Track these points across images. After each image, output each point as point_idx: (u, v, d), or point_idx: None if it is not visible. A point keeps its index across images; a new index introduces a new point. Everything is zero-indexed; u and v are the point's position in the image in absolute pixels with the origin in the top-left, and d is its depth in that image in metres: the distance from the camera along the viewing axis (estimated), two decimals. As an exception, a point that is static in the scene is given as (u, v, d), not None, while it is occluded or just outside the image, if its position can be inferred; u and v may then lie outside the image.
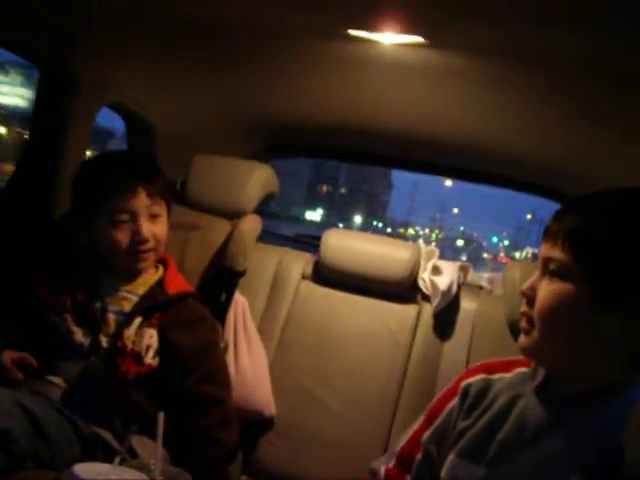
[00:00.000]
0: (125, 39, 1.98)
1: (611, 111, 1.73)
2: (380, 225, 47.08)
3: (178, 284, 1.79)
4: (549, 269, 1.13)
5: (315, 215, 44.40)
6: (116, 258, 1.69)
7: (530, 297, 1.16)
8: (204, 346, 1.74)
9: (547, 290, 1.12)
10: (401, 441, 1.38)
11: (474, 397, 1.26)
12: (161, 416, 1.14)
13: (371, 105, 2.18)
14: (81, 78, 2.07)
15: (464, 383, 1.30)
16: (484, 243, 59.09)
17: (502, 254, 50.77)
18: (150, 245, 1.69)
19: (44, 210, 2.12)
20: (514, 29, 1.39)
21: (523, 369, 1.26)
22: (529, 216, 55.12)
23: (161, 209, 1.73)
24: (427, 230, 54.50)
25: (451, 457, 1.23)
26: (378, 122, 2.36)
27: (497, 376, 1.28)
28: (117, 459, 1.10)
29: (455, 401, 1.30)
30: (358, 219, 44.85)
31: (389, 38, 1.55)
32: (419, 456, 1.32)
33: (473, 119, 2.12)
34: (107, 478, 0.98)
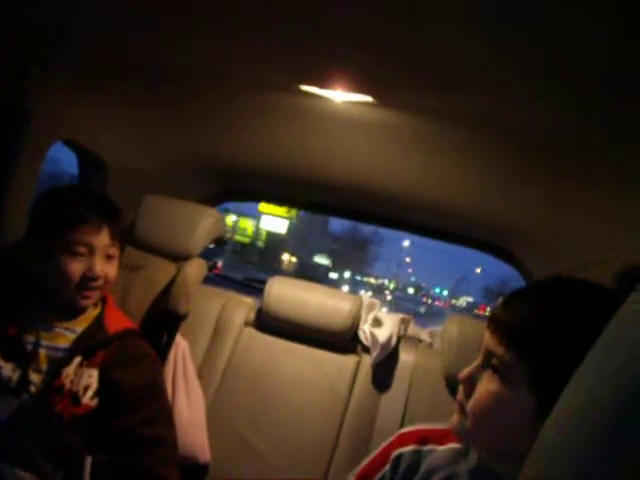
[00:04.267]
0: (80, 77, 1.98)
1: (569, 179, 1.78)
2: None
3: (118, 321, 1.76)
4: (491, 363, 1.05)
5: (325, 260, 44.45)
6: (62, 290, 1.66)
7: (468, 387, 1.09)
8: (149, 385, 1.71)
9: (485, 389, 1.05)
10: None
11: (405, 471, 1.23)
12: (88, 460, 1.13)
13: (320, 157, 2.22)
14: (34, 112, 2.06)
15: (396, 453, 1.26)
16: (430, 291, 65.47)
17: (442, 302, 58.05)
18: (99, 283, 1.68)
19: None
20: (459, 96, 1.44)
21: (455, 445, 1.21)
22: (478, 270, 60.14)
23: (116, 251, 1.74)
24: (386, 280, 60.31)
25: None
26: (327, 174, 2.39)
27: (428, 447, 1.23)
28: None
29: (386, 469, 1.26)
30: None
31: (339, 96, 1.60)
32: None
33: (426, 177, 2.17)
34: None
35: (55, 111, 2.12)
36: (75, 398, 1.59)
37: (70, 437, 1.56)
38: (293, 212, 29.32)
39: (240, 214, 33.35)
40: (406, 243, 59.18)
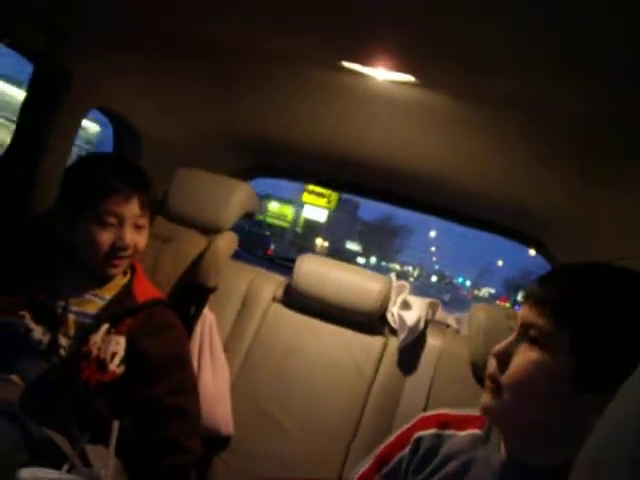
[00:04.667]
0: (122, 45, 1.99)
1: (598, 167, 1.76)
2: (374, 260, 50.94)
3: (147, 291, 1.78)
4: (529, 335, 1.07)
5: (355, 246, 46.08)
6: (91, 258, 1.68)
7: (503, 362, 1.10)
8: (175, 355, 1.73)
9: (525, 358, 1.06)
10: None
11: (425, 453, 1.25)
12: (115, 425, 1.14)
13: (359, 137, 2.20)
14: (73, 78, 2.07)
15: (417, 435, 1.28)
16: (454, 280, 67.65)
17: (464, 291, 59.29)
18: (128, 253, 1.70)
19: (19, 207, 2.10)
20: (503, 78, 1.42)
21: (476, 431, 1.23)
22: (500, 262, 63.22)
23: (146, 221, 1.75)
24: (411, 267, 62.50)
25: None
26: (363, 153, 2.38)
27: (449, 432, 1.25)
28: (65, 466, 1.09)
29: (406, 451, 1.28)
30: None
31: (381, 74, 1.58)
32: None
33: (457, 160, 2.15)
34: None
35: (93, 78, 2.12)
36: (102, 365, 1.60)
37: (97, 403, 1.58)
38: (333, 203, 30.53)
39: (282, 201, 34.95)
40: (432, 234, 61.98)
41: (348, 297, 2.17)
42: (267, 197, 34.96)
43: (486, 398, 1.12)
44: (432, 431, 1.27)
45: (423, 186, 2.54)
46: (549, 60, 1.25)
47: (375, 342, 2.18)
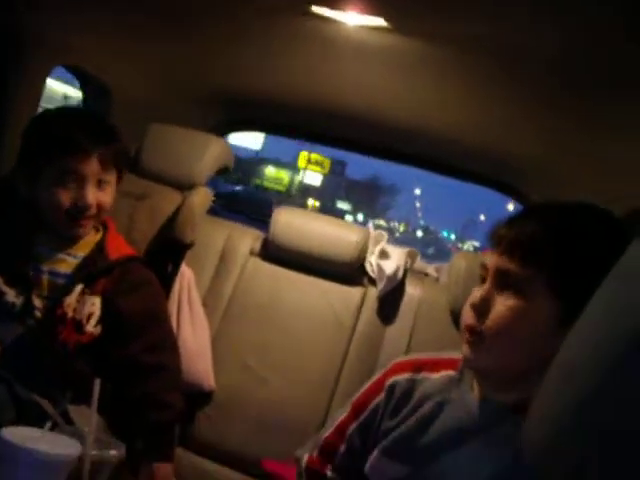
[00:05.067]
0: (89, 1, 1.93)
1: (574, 111, 1.75)
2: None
3: (120, 248, 1.74)
4: (504, 282, 1.07)
5: (345, 205, 47.79)
6: (54, 219, 1.64)
7: (482, 311, 1.09)
8: (152, 312, 1.72)
9: (504, 306, 1.06)
10: (325, 431, 1.38)
11: (399, 397, 1.26)
12: (97, 383, 1.13)
13: (331, 85, 2.17)
14: (43, 33, 2.01)
15: (390, 380, 1.29)
16: (439, 235, 68.77)
17: (450, 244, 59.89)
18: (91, 212, 1.63)
19: None
20: (478, 20, 1.39)
21: (449, 372, 1.24)
22: (482, 217, 64.86)
23: (111, 177, 1.67)
24: (397, 223, 63.83)
25: (376, 454, 1.25)
26: (337, 103, 2.35)
27: (422, 375, 1.26)
28: (48, 424, 1.08)
29: (381, 397, 1.29)
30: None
31: (352, 18, 1.54)
32: (342, 448, 1.33)
33: (432, 108, 2.13)
34: (36, 442, 0.97)
35: (60, 34, 2.07)
36: (79, 326, 1.59)
37: (76, 363, 1.58)
38: (326, 168, 33.41)
39: (278, 166, 36.44)
40: (417, 191, 66.29)
41: (326, 248, 2.17)
42: (264, 161, 36.47)
43: (466, 351, 1.13)
44: (406, 375, 1.28)
45: (400, 135, 2.52)
46: None
47: (354, 292, 2.19)
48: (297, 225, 2.22)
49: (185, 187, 2.11)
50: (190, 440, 2.02)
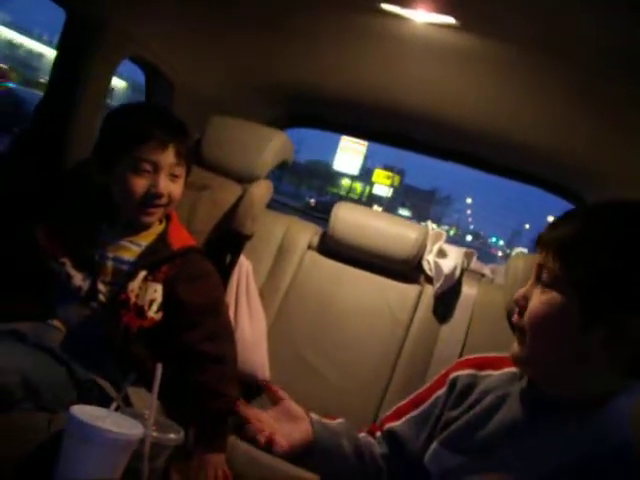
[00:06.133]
0: None
1: (634, 117, 1.72)
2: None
3: (182, 238, 1.78)
4: (541, 278, 1.13)
5: (406, 212, 51.81)
6: (126, 206, 1.69)
7: (522, 306, 1.15)
8: (210, 303, 1.74)
9: (538, 300, 1.12)
10: (386, 413, 1.44)
11: (461, 390, 1.30)
12: (159, 368, 1.15)
13: (397, 84, 2.16)
14: (106, 26, 2.05)
15: (453, 375, 1.33)
16: (487, 240, 72.27)
17: (497, 250, 63.31)
18: (163, 201, 1.69)
19: (55, 157, 2.11)
20: (547, 18, 1.38)
21: (512, 369, 1.27)
22: (527, 226, 70.06)
23: (182, 171, 1.73)
24: (447, 226, 65.78)
25: (435, 445, 1.27)
26: (402, 101, 2.34)
27: (485, 373, 1.30)
28: (113, 405, 1.11)
29: (442, 391, 1.33)
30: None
31: (421, 16, 1.54)
32: (397, 426, 1.38)
33: (495, 107, 2.11)
34: (103, 421, 1.00)
35: (126, 26, 2.11)
36: (141, 311, 1.63)
37: (137, 348, 1.62)
38: (396, 181, 39.19)
39: (353, 179, 41.25)
40: (469, 200, 71.33)
41: (384, 244, 2.16)
42: (341, 174, 41.04)
43: (514, 347, 1.17)
44: (468, 371, 1.31)
45: (464, 135, 2.50)
46: None
47: (411, 290, 2.18)
48: (356, 221, 2.22)
49: (246, 179, 2.13)
50: (244, 429, 2.04)
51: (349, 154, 37.15)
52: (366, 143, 34.36)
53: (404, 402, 1.41)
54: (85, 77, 2.11)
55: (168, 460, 1.16)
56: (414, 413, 1.36)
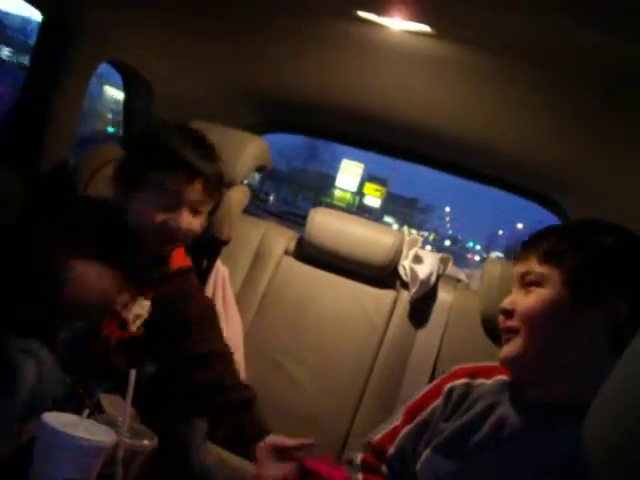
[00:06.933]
0: None
1: (612, 126, 1.73)
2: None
3: (180, 258, 1.73)
4: (526, 281, 1.26)
5: (391, 219, 52.28)
6: (139, 231, 1.58)
7: (509, 311, 1.26)
8: (206, 311, 1.76)
9: (527, 298, 1.24)
10: (374, 435, 1.44)
11: (456, 400, 1.34)
12: (132, 374, 1.15)
13: (374, 90, 2.17)
14: (84, 29, 2.05)
15: (449, 385, 1.37)
16: (465, 245, 73.92)
17: (474, 255, 64.10)
18: (180, 236, 1.58)
19: (30, 162, 2.10)
20: (523, 25, 1.39)
21: (503, 377, 1.33)
22: (500, 232, 73.42)
23: (206, 207, 1.63)
24: (426, 233, 67.04)
25: (428, 452, 1.31)
26: (379, 108, 2.34)
27: (478, 381, 1.35)
28: (86, 411, 1.11)
29: (439, 401, 1.37)
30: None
31: (397, 24, 1.55)
32: (391, 450, 1.39)
33: (472, 115, 2.11)
34: (75, 428, 1.00)
35: (105, 29, 2.10)
36: (123, 324, 1.60)
37: (119, 357, 1.60)
38: (383, 194, 43.76)
39: (342, 190, 43.37)
40: (447, 209, 74.48)
41: (360, 250, 2.17)
42: (332, 187, 43.79)
43: (504, 349, 1.26)
44: (463, 380, 1.37)
45: (441, 142, 2.51)
46: None
47: (387, 295, 2.19)
48: (332, 226, 2.22)
49: (223, 184, 2.12)
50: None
51: (349, 174, 40.13)
52: (362, 165, 39.77)
53: (396, 422, 1.42)
54: (62, 80, 2.10)
55: (143, 466, 1.16)
56: (408, 428, 1.39)
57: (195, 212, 1.58)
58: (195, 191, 1.55)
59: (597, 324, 1.17)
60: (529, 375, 1.26)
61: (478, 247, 70.07)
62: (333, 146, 37.01)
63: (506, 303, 1.28)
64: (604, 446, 0.56)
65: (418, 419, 1.38)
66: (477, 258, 57.37)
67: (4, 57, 17.19)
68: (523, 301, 1.25)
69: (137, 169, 1.56)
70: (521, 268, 1.29)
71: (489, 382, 1.34)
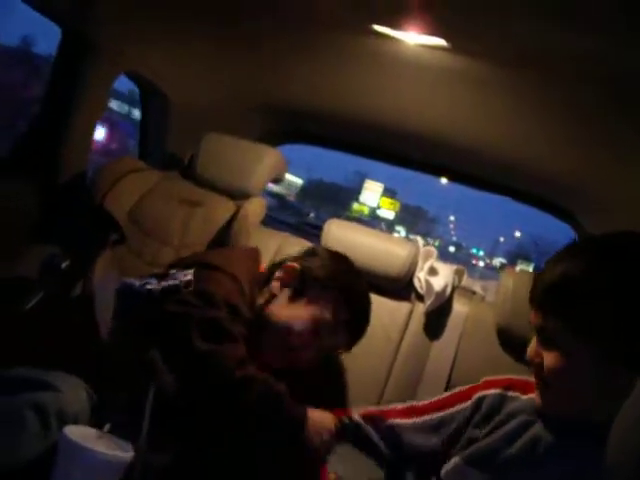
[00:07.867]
0: (149, 7, 1.98)
1: (623, 134, 1.74)
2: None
3: None
4: (544, 338, 1.20)
5: (401, 228, 55.13)
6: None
7: (538, 364, 1.21)
8: None
9: (549, 361, 1.17)
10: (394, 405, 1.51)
11: (488, 410, 1.34)
12: (152, 390, 1.16)
13: (388, 102, 2.18)
14: (102, 42, 2.07)
15: (479, 394, 1.37)
16: (470, 251, 73.66)
17: (479, 261, 64.10)
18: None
19: (48, 174, 2.12)
20: (534, 36, 1.39)
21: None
22: (502, 239, 74.65)
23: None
24: (431, 239, 67.50)
25: (458, 461, 1.31)
26: (394, 120, 2.36)
27: (513, 394, 1.34)
28: (107, 426, 1.11)
29: (466, 405, 1.38)
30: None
31: (412, 38, 1.57)
32: (396, 422, 1.46)
33: (485, 126, 2.12)
34: (94, 442, 1.01)
35: (122, 42, 2.13)
36: None
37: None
38: (397, 207, 49.99)
39: (361, 204, 47.89)
40: (452, 218, 78.15)
41: (376, 262, 2.16)
42: (353, 200, 48.83)
43: (537, 397, 1.25)
44: (496, 391, 1.36)
45: (456, 154, 2.52)
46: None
47: (402, 307, 2.18)
48: (347, 238, 2.22)
49: (240, 197, 2.14)
50: None
51: (370, 192, 46.54)
52: (382, 184, 46.52)
53: (421, 403, 1.46)
54: (80, 93, 2.12)
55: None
56: (431, 416, 1.41)
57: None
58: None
59: (621, 374, 1.09)
60: (564, 415, 1.24)
61: (482, 253, 70.72)
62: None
63: (531, 355, 1.24)
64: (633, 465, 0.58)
65: (441, 413, 1.40)
66: (481, 264, 57.98)
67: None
68: (547, 362, 1.18)
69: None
70: (535, 321, 1.22)
71: (524, 397, 1.32)
